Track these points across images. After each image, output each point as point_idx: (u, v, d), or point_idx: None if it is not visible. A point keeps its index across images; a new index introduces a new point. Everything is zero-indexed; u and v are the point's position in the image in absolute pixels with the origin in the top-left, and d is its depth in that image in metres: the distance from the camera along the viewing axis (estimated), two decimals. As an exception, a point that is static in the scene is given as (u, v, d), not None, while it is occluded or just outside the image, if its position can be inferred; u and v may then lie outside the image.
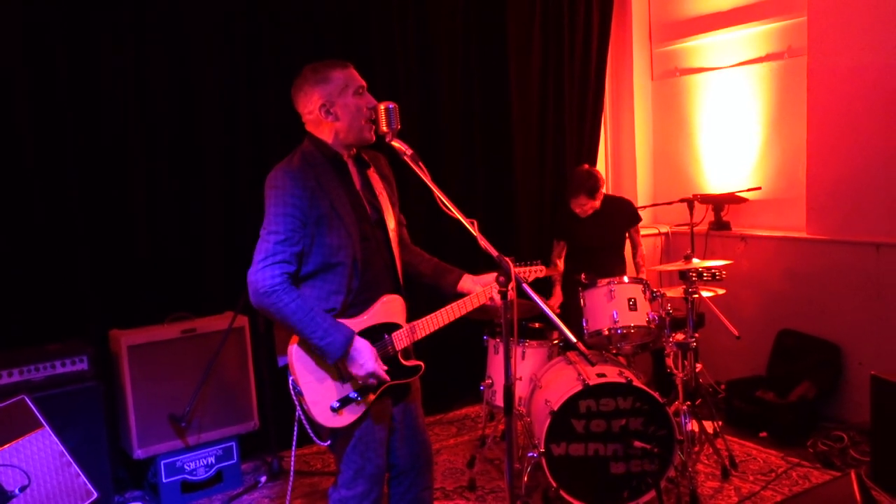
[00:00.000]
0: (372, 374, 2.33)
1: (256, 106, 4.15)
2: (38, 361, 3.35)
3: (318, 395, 2.33)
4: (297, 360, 2.32)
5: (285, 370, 2.38)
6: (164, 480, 3.66)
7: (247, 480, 3.91)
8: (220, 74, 4.04)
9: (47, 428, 3.10)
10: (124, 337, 3.57)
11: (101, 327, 3.74)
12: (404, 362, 2.48)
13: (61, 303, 3.70)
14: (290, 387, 2.35)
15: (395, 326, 2.46)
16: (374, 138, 2.42)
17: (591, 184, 4.23)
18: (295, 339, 2.33)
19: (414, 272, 2.64)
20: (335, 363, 2.32)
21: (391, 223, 2.50)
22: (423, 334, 2.50)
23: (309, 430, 2.39)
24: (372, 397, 2.39)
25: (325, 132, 2.40)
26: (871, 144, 4.24)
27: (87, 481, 3.18)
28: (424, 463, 2.64)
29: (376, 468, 2.44)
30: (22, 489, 2.91)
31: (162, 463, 3.65)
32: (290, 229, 2.27)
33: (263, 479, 3.87)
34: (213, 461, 3.79)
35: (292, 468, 2.58)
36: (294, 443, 2.48)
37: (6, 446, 2.96)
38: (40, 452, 3.04)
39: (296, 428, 2.41)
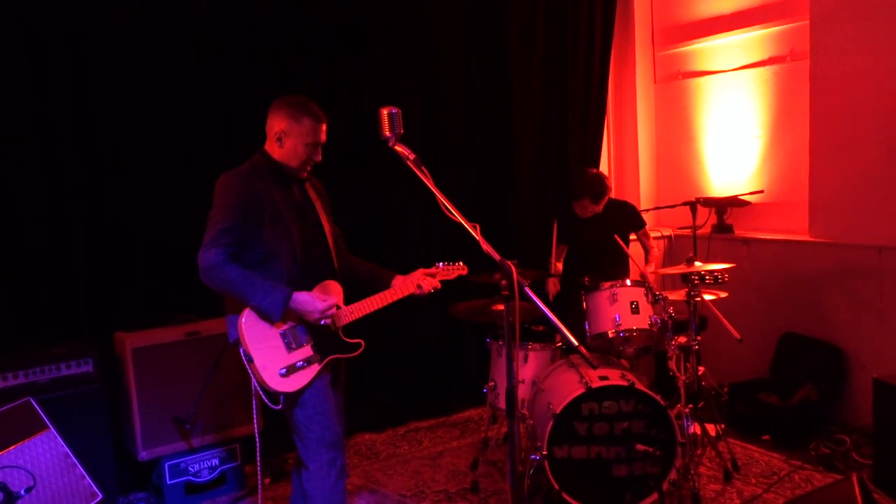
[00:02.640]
0: (325, 310, 2.64)
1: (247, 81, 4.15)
2: (44, 364, 3.36)
3: (267, 360, 2.61)
4: (247, 329, 2.61)
5: (237, 344, 2.63)
6: (168, 482, 3.67)
7: (250, 482, 3.93)
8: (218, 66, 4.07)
9: (52, 430, 3.12)
10: (129, 339, 3.59)
11: (105, 330, 3.76)
12: (345, 339, 2.78)
13: (66, 306, 3.73)
14: (242, 354, 2.61)
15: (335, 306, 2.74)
16: (303, 177, 2.79)
17: (598, 189, 4.23)
18: (244, 311, 2.60)
19: (353, 275, 2.95)
20: (279, 319, 2.60)
21: (327, 227, 2.85)
22: (361, 314, 2.80)
23: (263, 397, 2.62)
24: (317, 367, 2.68)
25: (274, 152, 2.74)
26: (873, 148, 4.25)
27: (91, 483, 3.20)
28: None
29: (335, 435, 2.72)
30: (27, 490, 2.93)
31: (166, 465, 3.66)
32: (232, 222, 2.59)
33: (266, 481, 3.89)
34: (217, 463, 3.81)
35: (259, 457, 2.61)
36: (255, 416, 2.72)
37: (12, 448, 2.98)
38: (45, 454, 3.06)
39: (255, 403, 2.67)
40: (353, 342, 2.81)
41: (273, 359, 2.63)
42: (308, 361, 2.68)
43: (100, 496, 3.22)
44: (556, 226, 4.24)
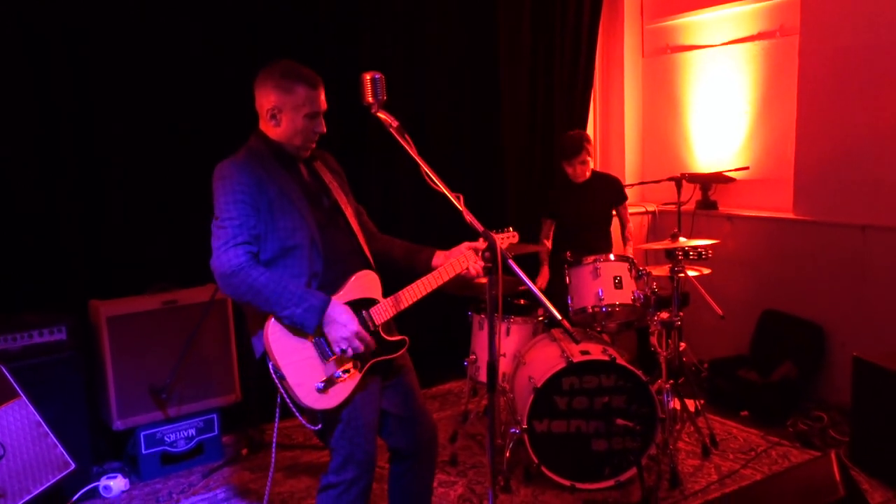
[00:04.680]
0: (356, 335, 2.26)
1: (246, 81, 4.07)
2: (15, 331, 3.29)
3: (302, 376, 2.25)
4: (275, 342, 2.25)
5: (264, 359, 2.30)
6: (143, 452, 3.63)
7: (228, 453, 3.90)
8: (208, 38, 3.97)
9: (24, 398, 3.06)
10: (104, 307, 3.52)
11: (79, 297, 3.68)
12: (387, 337, 2.42)
13: (39, 271, 3.64)
14: (272, 372, 2.27)
15: (372, 302, 2.40)
16: (308, 155, 2.43)
17: (582, 141, 4.27)
18: (269, 323, 2.25)
19: (386, 259, 2.58)
20: (315, 331, 2.24)
21: (348, 209, 2.48)
22: (402, 307, 2.42)
23: (298, 416, 2.30)
24: (358, 375, 2.33)
25: (270, 131, 2.39)
26: (859, 126, 4.23)
27: (64, 452, 3.15)
28: (425, 448, 2.56)
29: (365, 455, 2.35)
30: (-3, 459, 2.88)
31: (142, 434, 3.62)
32: (244, 214, 2.25)
33: (245, 451, 3.86)
34: (194, 433, 3.77)
35: (274, 441, 2.54)
36: (277, 416, 2.39)
37: (-19, 416, 2.93)
38: (16, 423, 3.00)
39: (279, 400, 2.33)
40: (395, 340, 2.45)
41: (308, 373, 2.26)
42: (347, 371, 2.31)
43: (73, 465, 3.17)
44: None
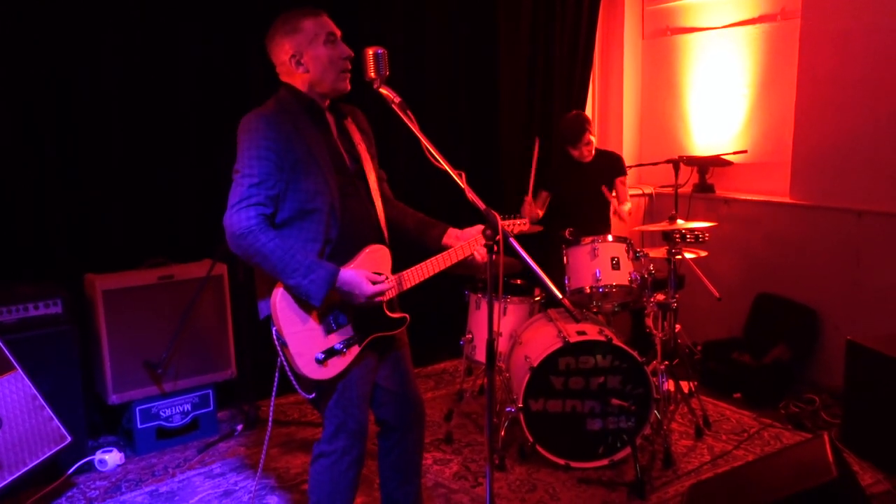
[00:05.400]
0: (373, 296, 2.25)
1: (236, 54, 4.04)
2: (10, 304, 3.27)
3: (303, 345, 2.25)
4: (282, 309, 2.23)
5: (267, 321, 2.30)
6: (139, 426, 3.63)
7: (223, 428, 3.90)
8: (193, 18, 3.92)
9: (19, 371, 3.06)
10: (99, 281, 3.51)
11: (74, 270, 3.66)
12: (389, 314, 2.41)
13: (36, 246, 3.62)
14: (274, 337, 2.27)
15: None
16: (348, 88, 2.34)
17: (584, 124, 4.28)
18: (278, 287, 2.24)
19: (397, 228, 2.54)
20: (321, 304, 2.21)
21: (371, 175, 2.42)
22: (408, 286, 2.41)
23: (293, 382, 2.32)
24: (357, 349, 2.33)
25: (298, 83, 2.32)
26: (858, 111, 4.22)
27: (60, 425, 3.15)
28: (413, 421, 2.57)
29: (357, 424, 2.37)
30: (-7, 431, 2.88)
31: (137, 409, 3.62)
32: (265, 172, 2.19)
33: (240, 427, 3.86)
34: (189, 408, 3.77)
35: (270, 417, 2.54)
36: (274, 392, 2.40)
37: (-23, 388, 2.92)
38: (12, 395, 2.99)
39: (276, 376, 2.34)
40: (396, 317, 2.43)
41: (309, 344, 2.25)
42: (348, 343, 2.30)
43: (69, 439, 3.17)
44: (537, 144, 4.16)
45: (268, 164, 2.19)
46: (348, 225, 2.31)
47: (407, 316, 2.46)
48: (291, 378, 2.31)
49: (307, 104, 2.32)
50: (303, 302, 2.24)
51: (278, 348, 2.27)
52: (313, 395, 2.34)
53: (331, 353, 2.28)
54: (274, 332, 2.27)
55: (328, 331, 2.29)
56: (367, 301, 2.25)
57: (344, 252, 2.31)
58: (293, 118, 2.27)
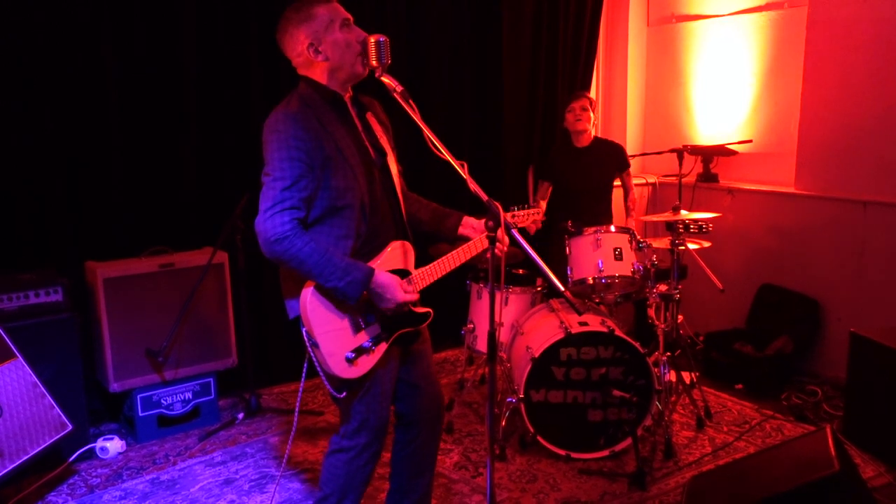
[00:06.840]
0: (403, 305, 2.26)
1: (236, 41, 4.01)
2: (11, 291, 3.26)
3: (335, 345, 2.23)
4: (312, 310, 2.21)
5: (297, 322, 2.27)
6: (140, 414, 3.63)
7: (224, 416, 3.91)
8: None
9: (20, 358, 3.05)
10: (100, 269, 3.50)
11: (75, 258, 3.66)
12: (414, 309, 2.39)
13: (34, 231, 3.61)
14: (305, 338, 2.25)
15: (405, 273, 2.36)
16: (365, 72, 2.30)
17: (585, 92, 4.33)
18: (307, 287, 2.21)
19: (412, 219, 2.51)
20: (356, 304, 2.21)
21: (394, 168, 2.40)
22: (431, 281, 2.40)
23: (326, 384, 2.30)
24: (385, 346, 2.32)
25: (318, 73, 2.27)
26: (865, 101, 4.19)
27: (60, 413, 3.15)
28: (432, 417, 2.56)
29: (379, 420, 2.36)
30: (-6, 420, 2.88)
31: (138, 397, 3.62)
32: (297, 174, 2.14)
33: (241, 415, 3.87)
34: (191, 396, 3.77)
35: (298, 405, 2.53)
36: (303, 380, 2.35)
37: (-22, 376, 2.91)
38: (13, 383, 2.99)
39: (305, 366, 2.30)
40: (421, 312, 2.41)
41: (339, 343, 2.24)
42: (376, 341, 2.29)
43: (70, 427, 3.18)
44: (531, 172, 4.17)
45: (299, 165, 2.14)
46: (376, 220, 2.30)
47: (431, 311, 2.43)
48: (324, 378, 2.29)
49: (331, 98, 2.27)
50: (332, 301, 2.23)
51: (309, 348, 2.25)
52: (343, 394, 2.32)
53: (360, 351, 2.27)
54: (304, 333, 2.25)
55: (356, 329, 2.28)
56: (395, 308, 2.26)
57: (370, 249, 2.30)
58: (318, 114, 2.22)
